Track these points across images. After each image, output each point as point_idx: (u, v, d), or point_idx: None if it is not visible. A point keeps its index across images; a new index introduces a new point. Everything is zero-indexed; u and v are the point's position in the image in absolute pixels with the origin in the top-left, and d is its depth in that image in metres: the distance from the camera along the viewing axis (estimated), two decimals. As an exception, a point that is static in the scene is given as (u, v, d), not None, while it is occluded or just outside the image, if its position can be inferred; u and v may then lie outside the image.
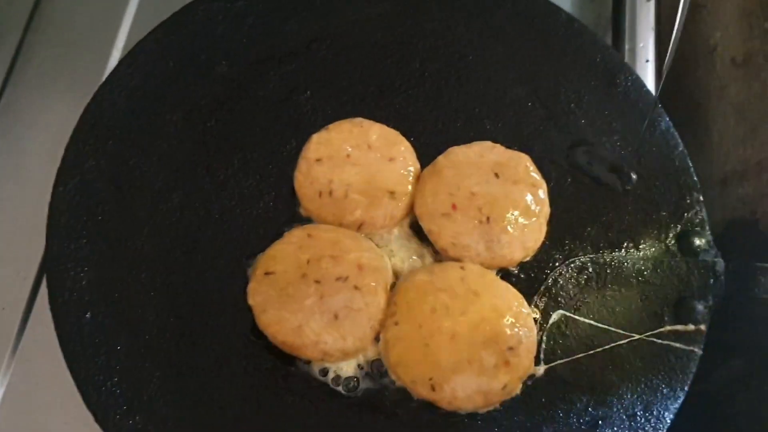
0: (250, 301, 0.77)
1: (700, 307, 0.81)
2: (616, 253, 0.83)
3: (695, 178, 0.87)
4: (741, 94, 1.01)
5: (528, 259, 0.83)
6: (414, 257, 0.82)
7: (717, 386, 0.91)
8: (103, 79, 0.89)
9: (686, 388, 0.78)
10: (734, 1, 1.05)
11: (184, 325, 0.78)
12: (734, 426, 0.91)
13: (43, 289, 0.82)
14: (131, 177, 0.83)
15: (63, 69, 1.01)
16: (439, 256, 0.82)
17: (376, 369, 0.77)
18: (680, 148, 0.88)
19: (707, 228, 0.85)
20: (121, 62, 0.89)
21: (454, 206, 0.81)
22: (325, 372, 0.76)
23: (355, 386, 0.76)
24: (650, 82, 1.06)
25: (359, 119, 0.86)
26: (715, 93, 1.07)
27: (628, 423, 0.76)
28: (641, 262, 0.83)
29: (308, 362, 0.76)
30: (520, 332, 0.76)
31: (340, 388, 0.76)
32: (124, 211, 0.82)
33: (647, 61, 1.07)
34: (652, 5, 1.12)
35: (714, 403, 0.91)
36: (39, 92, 1.00)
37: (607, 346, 0.79)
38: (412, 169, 0.84)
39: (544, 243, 0.83)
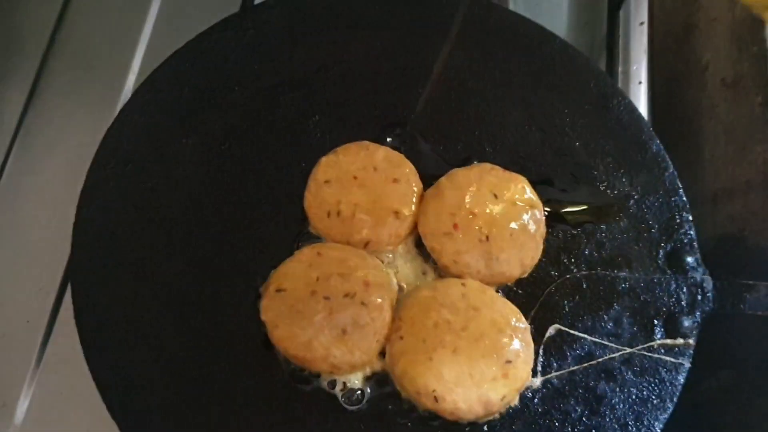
0: (263, 317, 0.80)
1: (688, 322, 0.84)
2: (609, 270, 0.86)
3: (684, 199, 0.90)
4: (730, 114, 1.04)
5: (525, 275, 0.85)
6: (418, 274, 0.86)
7: (706, 397, 0.94)
8: (120, 103, 0.94)
9: (675, 400, 0.81)
10: (725, 24, 1.07)
11: (201, 339, 0.81)
12: None
13: (66, 303, 0.86)
14: (150, 199, 0.86)
15: (81, 94, 1.04)
16: (442, 273, 0.85)
17: (382, 381, 0.80)
18: (671, 170, 0.91)
19: (696, 246, 0.88)
20: (138, 90, 0.92)
21: (455, 226, 0.83)
22: (333, 384, 0.79)
23: (361, 398, 0.79)
24: (643, 103, 1.09)
25: (365, 142, 0.89)
26: (706, 112, 1.09)
27: (620, 432, 0.79)
28: (633, 279, 0.86)
29: (318, 375, 0.80)
30: (518, 346, 0.79)
31: (347, 400, 0.79)
32: (144, 231, 0.85)
33: (640, 82, 1.10)
34: (645, 28, 1.15)
35: (703, 413, 0.94)
36: (59, 116, 1.03)
37: (600, 359, 0.82)
38: (415, 189, 0.86)
39: (540, 260, 0.86)
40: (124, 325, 0.81)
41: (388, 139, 0.91)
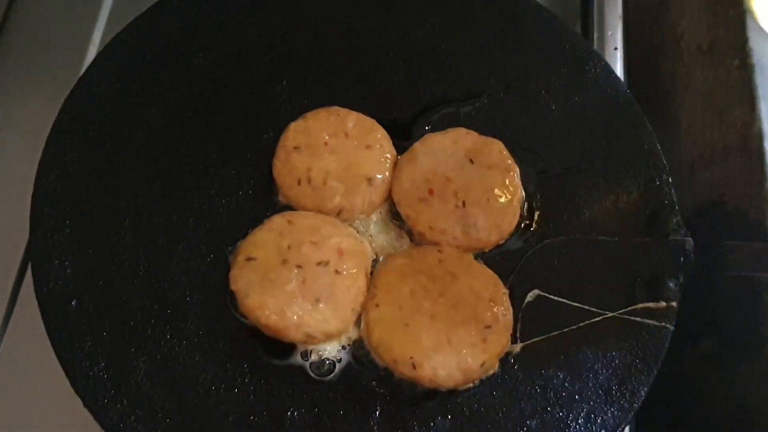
0: (233, 287, 0.78)
1: (671, 284, 0.82)
2: (589, 234, 0.85)
3: (664, 161, 0.88)
4: (707, 81, 1.03)
5: (503, 241, 0.84)
6: (393, 241, 0.84)
7: (688, 366, 0.93)
8: (82, 72, 0.89)
9: (659, 364, 0.79)
10: (699, -11, 1.06)
11: (168, 311, 0.78)
12: (706, 405, 0.93)
13: (28, 279, 0.82)
14: (112, 168, 0.84)
15: (41, 63, 1.01)
16: (417, 241, 0.83)
17: (358, 350, 0.78)
18: (649, 131, 0.90)
19: (676, 208, 0.86)
20: (98, 56, 0.90)
21: (430, 191, 0.82)
22: (307, 354, 0.77)
23: (338, 367, 0.77)
24: (619, 70, 1.08)
25: (336, 108, 0.87)
26: (682, 81, 1.08)
27: (604, 398, 0.77)
28: (613, 243, 0.84)
29: (292, 345, 0.77)
30: (497, 311, 0.78)
31: (323, 369, 0.77)
32: (106, 201, 0.82)
33: (615, 48, 1.09)
34: (619, -7, 1.14)
35: (685, 382, 0.92)
36: (18, 86, 1.00)
37: (581, 324, 0.80)
38: (389, 155, 0.85)
39: (518, 225, 0.84)
40: (88, 300, 0.78)
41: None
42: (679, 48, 1.10)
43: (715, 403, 0.92)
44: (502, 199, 0.83)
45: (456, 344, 0.76)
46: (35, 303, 0.77)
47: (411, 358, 0.75)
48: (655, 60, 1.15)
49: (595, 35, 1.10)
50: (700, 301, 0.86)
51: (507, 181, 0.84)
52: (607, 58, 1.05)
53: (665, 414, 0.92)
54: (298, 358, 0.77)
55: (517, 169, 0.85)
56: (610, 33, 1.09)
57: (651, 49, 1.16)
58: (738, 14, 0.99)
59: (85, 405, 0.73)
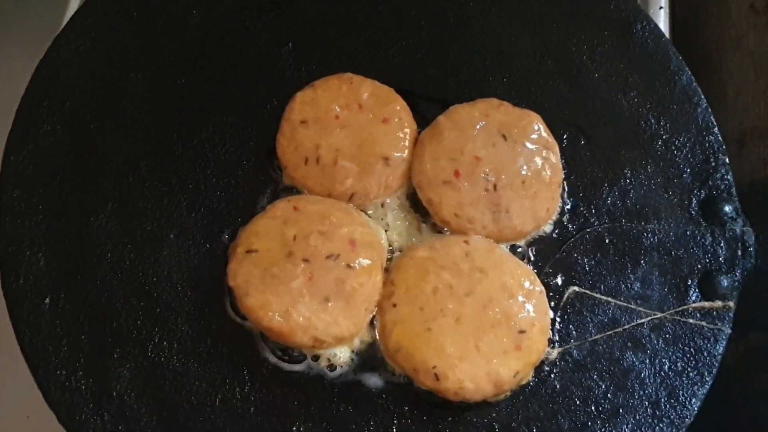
0: (231, 283, 0.72)
1: (727, 281, 0.76)
2: (636, 222, 0.78)
3: (720, 138, 0.81)
4: (762, 44, 0.96)
5: (539, 230, 0.77)
6: (412, 231, 0.77)
7: (732, 361, 0.86)
8: (60, 29, 0.83)
9: (714, 372, 0.73)
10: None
11: (156, 310, 0.73)
12: (755, 406, 0.87)
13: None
14: (92, 144, 0.78)
15: (14, 19, 0.95)
16: (441, 229, 0.77)
17: (372, 356, 0.71)
18: (704, 105, 0.82)
19: (734, 194, 0.79)
20: (78, 12, 0.84)
21: (456, 173, 0.76)
22: (316, 359, 0.71)
23: (349, 376, 0.71)
24: (664, 30, 0.99)
25: (349, 75, 0.81)
26: (731, 43, 1.01)
27: (651, 411, 0.71)
28: (663, 232, 0.78)
29: (297, 349, 0.71)
30: (533, 313, 0.71)
31: (332, 378, 0.70)
32: (86, 182, 0.77)
33: (661, 7, 1.00)
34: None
35: (728, 380, 0.85)
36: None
37: (627, 326, 0.74)
38: (408, 131, 0.79)
39: (556, 212, 0.78)
40: (64, 298, 0.72)
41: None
42: (728, 5, 1.02)
43: (763, 405, 0.86)
44: (539, 182, 0.77)
45: (485, 352, 0.69)
46: (2, 302, 0.72)
47: (434, 367, 0.68)
48: (699, 17, 1.08)
49: (639, -9, 1.01)
50: (749, 291, 0.78)
51: (545, 160, 0.78)
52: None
53: (710, 412, 0.86)
54: (304, 365, 0.71)
55: (557, 147, 0.79)
56: (655, -11, 1.00)
57: (695, 4, 1.08)
58: (800, -30, 0.91)
59: (60, 421, 0.68)
